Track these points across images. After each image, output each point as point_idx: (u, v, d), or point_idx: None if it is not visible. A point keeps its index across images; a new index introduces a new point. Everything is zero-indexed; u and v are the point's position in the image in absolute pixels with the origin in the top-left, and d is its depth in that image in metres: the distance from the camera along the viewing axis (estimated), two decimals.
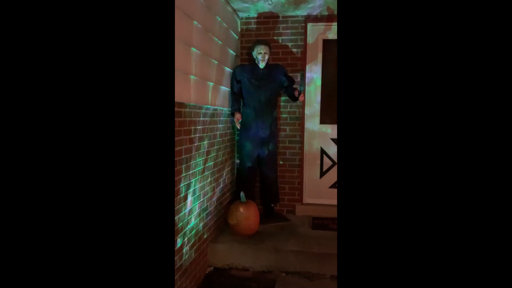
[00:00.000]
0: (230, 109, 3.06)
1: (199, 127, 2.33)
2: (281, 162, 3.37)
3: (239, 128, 3.06)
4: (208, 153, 2.53)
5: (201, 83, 2.37)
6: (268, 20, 3.32)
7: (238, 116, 3.00)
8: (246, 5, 3.04)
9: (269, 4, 2.99)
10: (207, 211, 2.54)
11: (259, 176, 3.25)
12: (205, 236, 2.52)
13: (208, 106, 2.52)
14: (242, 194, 2.78)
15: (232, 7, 3.09)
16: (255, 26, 3.35)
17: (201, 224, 2.42)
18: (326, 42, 3.31)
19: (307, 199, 3.46)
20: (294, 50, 3.30)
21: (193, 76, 2.20)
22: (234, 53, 3.23)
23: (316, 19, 3.25)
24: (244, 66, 3.12)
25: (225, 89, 2.96)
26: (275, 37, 3.31)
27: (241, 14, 3.31)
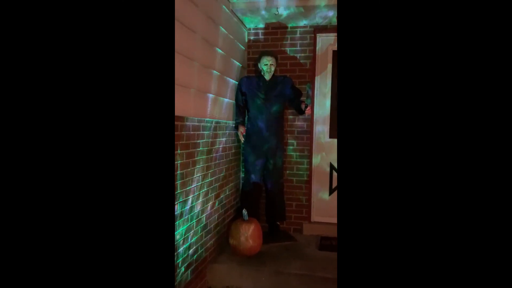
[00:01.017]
0: (234, 122, 3.05)
1: (198, 141, 2.32)
2: (287, 172, 3.32)
3: (243, 141, 3.04)
4: (208, 168, 2.51)
5: (202, 96, 2.37)
6: (276, 30, 3.32)
7: (242, 129, 2.99)
8: (253, 15, 3.05)
9: (275, 14, 2.99)
10: (206, 230, 2.51)
11: (264, 192, 3.22)
12: (203, 256, 2.49)
13: (209, 119, 2.51)
14: (244, 211, 2.75)
15: (238, 18, 3.11)
16: (262, 37, 3.36)
17: (199, 243, 2.39)
18: (336, 53, 3.30)
19: (315, 218, 3.40)
20: (303, 61, 3.30)
21: (193, 89, 2.20)
22: (240, 65, 3.23)
23: (325, 29, 3.24)
24: (250, 77, 3.10)
25: (229, 101, 2.96)
26: (283, 48, 3.31)
27: (248, 25, 3.33)
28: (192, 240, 2.28)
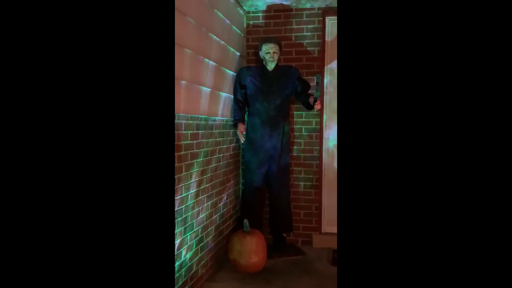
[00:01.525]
0: (232, 119, 2.93)
1: (192, 142, 2.20)
2: (294, 176, 3.20)
3: (243, 141, 2.96)
4: (203, 172, 2.39)
5: (195, 89, 2.24)
6: (279, 14, 3.20)
7: (241, 127, 2.89)
8: None
9: None
10: (202, 243, 2.39)
11: (268, 199, 3.13)
12: (199, 274, 2.36)
13: (204, 116, 2.38)
14: (245, 222, 2.63)
15: None
16: (263, 21, 3.24)
17: (194, 259, 2.27)
18: None
19: (326, 228, 3.25)
20: (310, 48, 3.16)
21: (184, 82, 2.07)
22: (239, 53, 3.09)
23: (336, 12, 3.09)
24: (250, 68, 3.02)
25: (226, 95, 2.83)
26: (287, 34, 3.19)
27: (246, 8, 3.19)
28: (186, 256, 2.15)
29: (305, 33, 3.16)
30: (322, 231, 3.24)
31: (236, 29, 3.01)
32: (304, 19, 3.16)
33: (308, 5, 3.11)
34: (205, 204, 2.41)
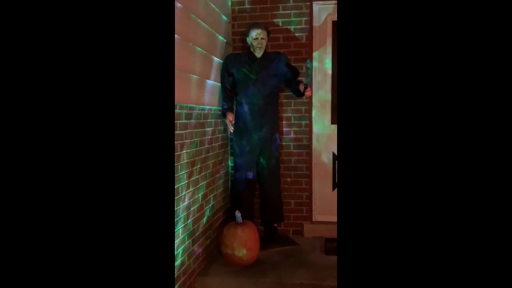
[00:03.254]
0: (221, 108, 2.98)
1: (180, 132, 2.23)
2: (284, 165, 3.26)
3: (232, 131, 2.98)
4: (193, 163, 2.43)
5: (182, 77, 2.27)
6: None
7: (230, 116, 2.91)
8: None
9: None
10: (194, 237, 2.44)
11: (258, 190, 3.19)
12: (191, 268, 2.41)
13: (192, 105, 2.42)
14: (237, 213, 2.69)
15: None
16: (249, 6, 3.27)
17: (186, 254, 2.31)
18: (336, 24, 3.21)
19: (317, 217, 3.37)
20: (298, 34, 3.22)
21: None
22: (225, 40, 3.13)
23: None
24: (237, 55, 3.05)
25: (213, 83, 2.88)
26: (274, 20, 3.24)
27: None
28: (178, 251, 2.21)
29: (292, 19, 3.21)
30: (313, 220, 3.35)
31: (221, 14, 3.04)
32: (291, 3, 3.20)
33: None
34: (196, 196, 2.46)
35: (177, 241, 2.17)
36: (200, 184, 2.55)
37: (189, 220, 2.36)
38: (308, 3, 3.20)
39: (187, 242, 2.32)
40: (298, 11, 3.21)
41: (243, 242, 2.59)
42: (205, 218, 2.67)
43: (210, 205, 2.79)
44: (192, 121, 2.40)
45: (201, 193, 2.58)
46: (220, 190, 3.05)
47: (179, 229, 2.20)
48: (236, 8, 3.29)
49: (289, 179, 3.32)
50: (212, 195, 2.84)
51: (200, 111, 2.55)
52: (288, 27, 3.24)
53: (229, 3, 3.28)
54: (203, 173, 2.62)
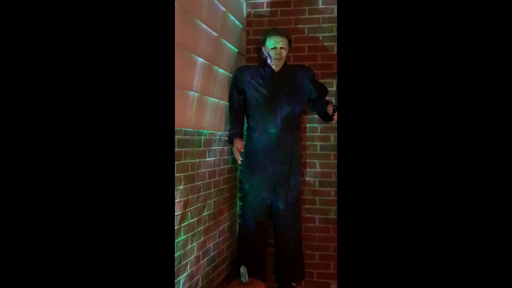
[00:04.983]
0: (227, 133, 2.89)
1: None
2: (306, 207, 3.13)
3: (240, 162, 2.89)
4: (186, 203, 2.28)
5: (178, 94, 2.15)
6: (289, 1, 3.18)
7: (239, 144, 2.82)
8: None
9: None
10: None
11: (273, 237, 3.07)
12: None
13: (189, 129, 2.30)
14: (242, 270, 2.55)
15: None
16: (268, 9, 3.21)
17: None
18: None
19: None
20: (328, 44, 3.11)
21: None
22: (237, 50, 3.05)
23: None
24: (250, 68, 2.98)
25: (219, 102, 2.79)
26: (298, 26, 3.15)
27: None
28: None
29: (322, 25, 3.12)
30: None
31: (234, 19, 2.96)
32: (320, 6, 3.11)
33: None
34: (189, 246, 2.30)
35: None
36: (196, 230, 2.39)
37: (180, 278, 2.18)
38: None
39: None
40: (328, 15, 3.12)
41: None
42: (202, 273, 2.49)
43: (210, 256, 2.62)
44: (187, 149, 2.27)
45: (198, 241, 2.42)
46: (224, 236, 2.91)
47: None
48: (252, 11, 3.24)
49: (312, 225, 3.18)
50: (213, 243, 2.67)
51: (199, 137, 2.43)
52: (316, 34, 3.15)
53: (244, 6, 3.22)
54: (201, 216, 2.47)
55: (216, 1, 2.62)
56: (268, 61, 2.84)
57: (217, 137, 2.71)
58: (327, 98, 2.91)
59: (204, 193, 2.51)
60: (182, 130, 2.19)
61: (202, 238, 2.47)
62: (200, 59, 2.38)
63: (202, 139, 2.46)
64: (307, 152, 3.14)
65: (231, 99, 2.86)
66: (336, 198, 3.07)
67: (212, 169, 2.63)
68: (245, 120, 2.95)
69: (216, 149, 2.68)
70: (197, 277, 2.39)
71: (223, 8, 2.73)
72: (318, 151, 3.14)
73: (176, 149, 2.14)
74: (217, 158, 2.72)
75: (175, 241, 2.14)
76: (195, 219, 2.36)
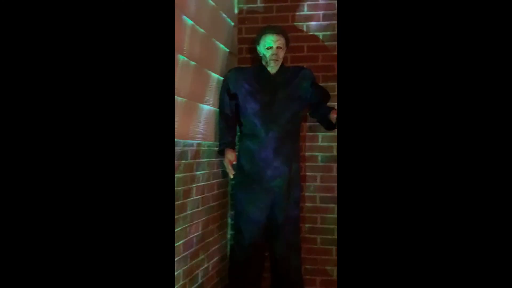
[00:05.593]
0: (218, 143, 2.81)
1: None
2: (306, 226, 3.06)
3: (232, 176, 2.80)
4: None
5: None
6: None
7: (231, 155, 2.75)
8: None
9: None
10: None
11: (269, 259, 3.00)
12: None
13: (176, 140, 2.23)
14: None
15: None
16: (262, 4, 3.15)
17: None
18: None
19: None
20: (329, 44, 3.05)
21: None
22: (228, 49, 3.00)
23: None
24: (243, 70, 2.92)
25: (209, 109, 2.73)
26: (296, 23, 3.11)
27: None
28: None
29: (322, 22, 3.07)
30: None
31: (224, 15, 2.89)
32: (320, 2, 3.07)
33: None
34: (176, 272, 2.19)
35: None
36: (183, 255, 2.29)
37: None
38: None
39: None
40: (330, 11, 3.06)
41: None
42: None
43: (197, 284, 2.51)
44: (174, 162, 2.17)
45: (184, 267, 2.30)
46: (214, 260, 2.83)
47: None
48: (244, 7, 3.18)
49: (313, 246, 3.11)
50: (201, 268, 2.56)
51: (186, 148, 2.36)
52: (316, 33, 3.10)
53: (235, 1, 3.16)
54: (187, 238, 2.37)
55: None
56: (263, 62, 2.79)
57: (206, 148, 2.65)
58: (329, 104, 2.84)
59: (190, 211, 2.42)
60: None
61: (188, 264, 2.38)
62: (186, 60, 2.28)
63: (189, 150, 2.39)
64: (306, 164, 3.08)
65: (222, 105, 2.79)
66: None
67: (200, 183, 2.56)
68: (238, 128, 2.90)
69: (204, 161, 2.63)
70: None
71: (213, 3, 2.66)
72: (319, 163, 3.08)
73: None
74: (206, 171, 2.66)
75: None
76: (180, 242, 2.26)
